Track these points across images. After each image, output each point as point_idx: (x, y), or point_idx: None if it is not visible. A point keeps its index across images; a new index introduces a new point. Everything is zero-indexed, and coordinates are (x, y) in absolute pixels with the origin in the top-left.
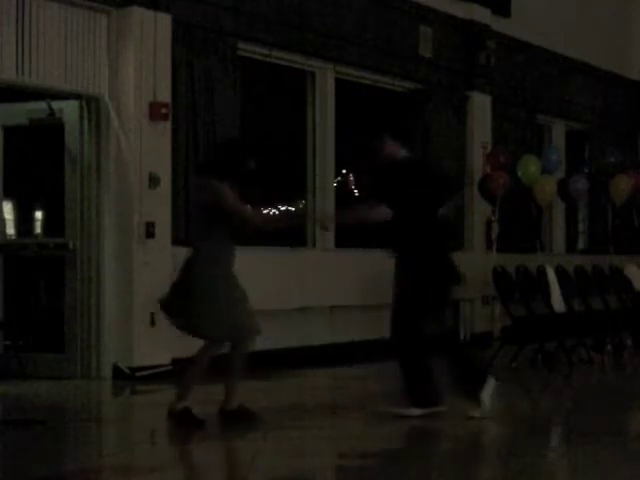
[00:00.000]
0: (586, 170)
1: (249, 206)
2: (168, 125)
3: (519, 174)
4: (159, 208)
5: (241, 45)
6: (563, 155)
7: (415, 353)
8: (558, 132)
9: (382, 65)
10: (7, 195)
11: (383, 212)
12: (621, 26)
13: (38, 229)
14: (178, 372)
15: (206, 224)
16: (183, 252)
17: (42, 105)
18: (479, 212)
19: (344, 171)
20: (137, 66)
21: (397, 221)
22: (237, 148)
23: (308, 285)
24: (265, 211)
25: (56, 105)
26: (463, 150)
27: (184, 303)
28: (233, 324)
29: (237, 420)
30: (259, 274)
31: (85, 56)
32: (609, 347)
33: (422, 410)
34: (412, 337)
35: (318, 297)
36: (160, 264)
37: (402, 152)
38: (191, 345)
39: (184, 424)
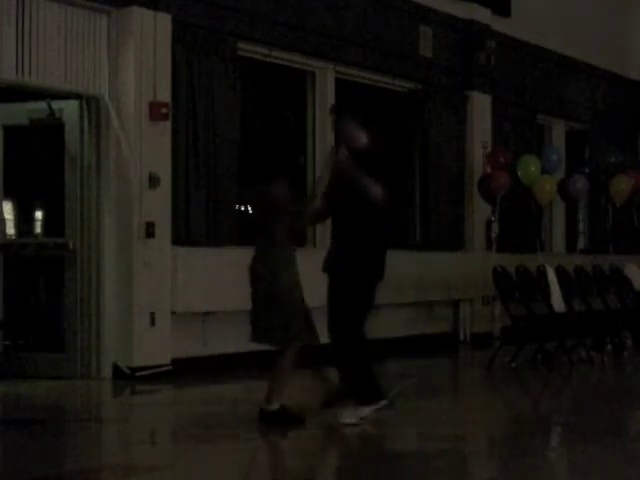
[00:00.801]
0: (586, 170)
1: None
2: (168, 125)
3: (519, 174)
4: (159, 208)
5: (241, 45)
6: (563, 155)
7: (363, 352)
8: (558, 132)
9: (382, 65)
10: (7, 195)
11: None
12: (621, 26)
13: (38, 229)
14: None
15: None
16: (183, 252)
17: (42, 105)
18: (479, 212)
19: None
20: (137, 66)
21: (349, 211)
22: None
23: (308, 285)
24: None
25: (56, 105)
26: (463, 150)
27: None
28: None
29: (278, 422)
30: None
31: (85, 56)
32: (609, 347)
33: (376, 405)
34: (357, 335)
35: (318, 297)
36: (160, 264)
37: (365, 138)
38: (191, 345)
39: (282, 423)
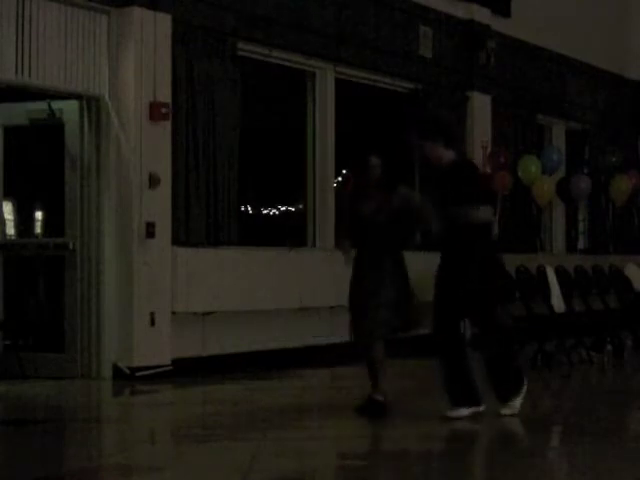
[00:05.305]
0: (586, 170)
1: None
2: (168, 125)
3: (519, 174)
4: (159, 208)
5: (241, 45)
6: (563, 155)
7: (457, 351)
8: (558, 132)
9: (382, 65)
10: (7, 195)
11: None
12: (621, 26)
13: (38, 229)
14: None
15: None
16: (183, 252)
17: (42, 105)
18: None
19: (344, 171)
20: (137, 66)
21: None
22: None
23: (308, 285)
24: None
25: (56, 105)
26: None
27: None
28: None
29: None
30: (259, 274)
31: (85, 56)
32: (609, 347)
33: (467, 410)
34: (454, 336)
35: (318, 297)
36: (160, 264)
37: (450, 154)
38: (191, 345)
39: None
